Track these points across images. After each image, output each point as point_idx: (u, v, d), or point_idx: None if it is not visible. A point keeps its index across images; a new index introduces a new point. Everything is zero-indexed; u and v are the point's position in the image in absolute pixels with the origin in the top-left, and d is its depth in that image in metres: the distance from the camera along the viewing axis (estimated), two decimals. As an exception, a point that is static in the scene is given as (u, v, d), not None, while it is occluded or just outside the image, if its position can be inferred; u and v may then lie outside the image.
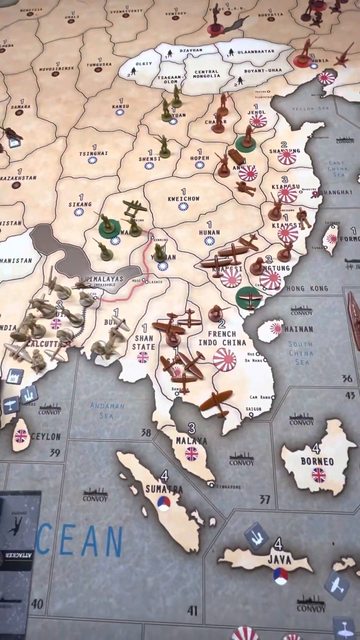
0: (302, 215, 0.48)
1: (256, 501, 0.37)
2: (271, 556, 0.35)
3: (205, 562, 0.35)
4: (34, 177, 0.54)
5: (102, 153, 0.55)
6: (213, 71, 0.61)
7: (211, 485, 0.37)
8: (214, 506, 0.37)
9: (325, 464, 0.38)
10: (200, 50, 0.63)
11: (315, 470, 0.38)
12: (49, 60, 0.64)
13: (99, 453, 0.39)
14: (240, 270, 0.46)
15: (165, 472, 0.38)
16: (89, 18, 0.68)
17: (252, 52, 0.62)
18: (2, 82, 0.62)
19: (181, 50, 0.63)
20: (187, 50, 0.63)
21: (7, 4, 0.71)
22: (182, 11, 0.67)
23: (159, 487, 0.38)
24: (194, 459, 0.38)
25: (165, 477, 0.38)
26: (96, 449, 0.39)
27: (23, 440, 0.40)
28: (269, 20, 0.65)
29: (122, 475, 0.38)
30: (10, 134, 0.57)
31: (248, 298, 0.44)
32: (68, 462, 0.39)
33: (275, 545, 0.35)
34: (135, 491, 0.38)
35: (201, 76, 0.60)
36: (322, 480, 0.37)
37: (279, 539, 0.35)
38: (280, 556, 0.35)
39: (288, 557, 0.35)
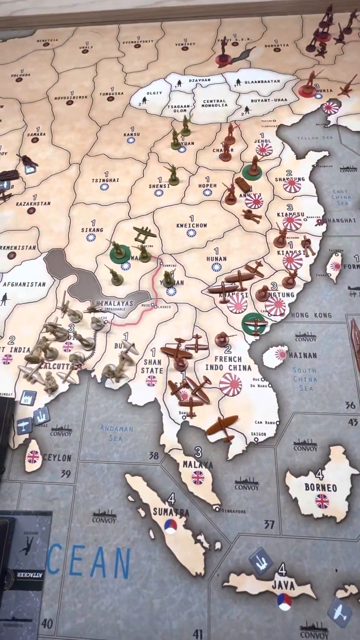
0: (306, 243, 0.50)
1: (261, 526, 0.38)
2: (275, 581, 0.36)
3: (210, 586, 0.36)
4: (49, 203, 0.56)
5: (114, 180, 0.57)
6: (221, 101, 0.63)
7: (217, 509, 0.39)
8: (219, 530, 0.38)
9: (328, 490, 0.39)
10: (209, 80, 0.65)
11: (318, 496, 0.38)
12: (64, 90, 0.67)
13: (108, 475, 0.41)
14: (246, 297, 0.48)
15: (172, 495, 0.39)
16: (102, 48, 0.71)
17: (259, 82, 0.64)
18: (19, 110, 0.65)
19: (190, 80, 0.65)
20: (196, 80, 0.65)
21: (25, 35, 0.75)
22: (191, 42, 0.70)
23: (166, 510, 0.39)
24: (200, 482, 0.40)
25: (172, 500, 0.39)
26: (105, 470, 0.41)
27: (35, 461, 0.41)
28: (275, 51, 0.67)
29: (130, 498, 0.39)
30: (27, 161, 0.59)
31: (254, 324, 0.46)
32: (78, 483, 0.40)
33: (279, 571, 0.36)
34: (143, 513, 0.39)
35: (209, 105, 0.63)
36: (326, 507, 0.38)
37: (282, 565, 0.36)
38: (284, 582, 0.36)
39: (292, 583, 0.36)
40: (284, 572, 0.36)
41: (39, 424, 0.43)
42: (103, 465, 0.41)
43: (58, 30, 0.74)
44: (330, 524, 0.37)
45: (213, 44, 0.69)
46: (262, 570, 0.36)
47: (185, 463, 0.40)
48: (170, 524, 0.38)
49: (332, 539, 0.37)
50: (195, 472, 0.40)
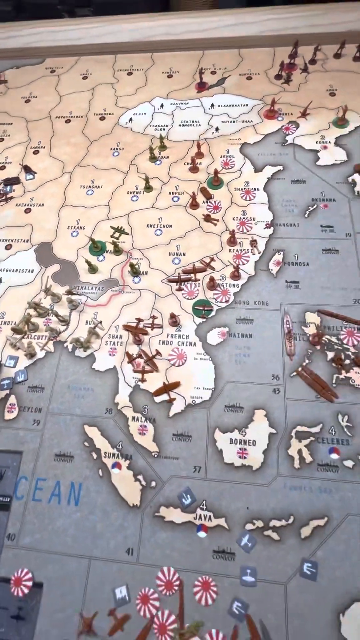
0: (253, 243, 0.58)
1: (190, 470, 0.45)
2: (196, 514, 0.43)
3: (143, 516, 0.44)
4: (42, 205, 0.67)
5: (99, 187, 0.67)
6: (195, 121, 0.73)
7: (155, 455, 0.46)
8: (155, 472, 0.46)
9: (249, 445, 0.46)
10: (187, 103, 0.75)
11: (240, 449, 0.46)
12: (64, 110, 0.78)
13: (70, 425, 0.49)
14: (198, 286, 0.56)
15: (120, 443, 0.48)
16: (99, 75, 0.82)
17: (230, 105, 0.74)
18: (25, 127, 0.77)
19: (171, 104, 0.76)
20: (176, 104, 0.76)
21: (35, 63, 0.87)
22: (176, 70, 0.81)
23: (114, 454, 0.47)
24: (144, 434, 0.48)
25: (120, 447, 0.47)
26: (68, 421, 0.49)
27: (12, 412, 0.51)
28: (247, 79, 0.77)
29: (86, 444, 0.48)
30: (27, 169, 0.70)
31: (202, 308, 0.54)
32: (46, 430, 0.49)
33: (201, 506, 0.44)
34: (95, 456, 0.47)
35: (185, 125, 0.73)
36: (245, 457, 0.45)
37: (204, 501, 0.44)
38: (204, 515, 0.43)
39: (210, 516, 0.43)
40: (204, 507, 0.44)
41: (18, 382, 0.52)
42: (67, 417, 0.50)
43: (64, 59, 0.87)
44: (247, 471, 0.45)
45: (194, 73, 0.80)
46: (187, 504, 0.44)
47: (133, 418, 0.49)
48: (116, 465, 0.46)
49: (247, 484, 0.44)
50: (140, 426, 0.48)
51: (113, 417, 0.49)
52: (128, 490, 0.45)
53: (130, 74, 0.82)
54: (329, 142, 0.67)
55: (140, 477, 0.46)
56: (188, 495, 0.44)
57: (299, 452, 0.45)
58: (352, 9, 0.81)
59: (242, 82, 0.77)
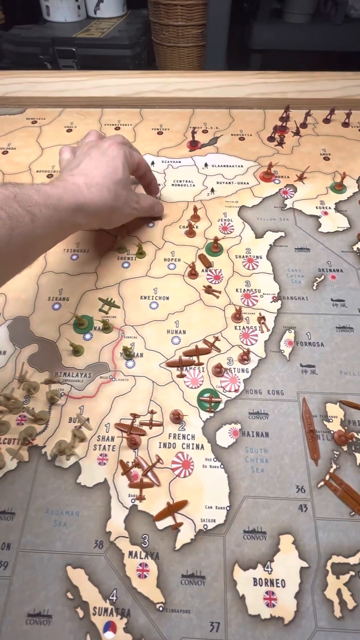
0: (261, 320, 0.52)
1: (206, 629, 0.36)
2: None
3: None
4: (19, 271, 0.58)
5: (85, 250, 0.60)
6: (189, 181, 0.69)
7: (160, 608, 0.36)
8: (161, 634, 0.35)
9: (277, 586, 0.37)
10: (179, 162, 0.72)
11: (267, 593, 0.37)
12: (46, 164, 0.72)
13: (48, 567, 0.38)
14: (203, 372, 0.49)
15: (115, 591, 0.37)
16: (85, 129, 0.78)
17: (224, 166, 0.71)
18: (1, 180, 0.70)
19: (163, 162, 0.72)
20: (168, 162, 0.72)
21: (15, 113, 0.82)
22: (166, 127, 0.78)
23: (106, 610, 0.36)
24: (145, 577, 0.38)
25: (114, 598, 0.37)
26: (46, 562, 0.38)
27: (-28, 550, 0.39)
28: (240, 140, 0.75)
29: (69, 595, 0.37)
30: (2, 229, 0.62)
31: (209, 400, 0.47)
32: (15, 577, 0.38)
33: None
34: (81, 614, 0.36)
35: (179, 185, 0.68)
36: (274, 606, 0.36)
37: None
38: None
39: None
40: None
41: (-20, 507, 0.41)
42: (44, 555, 0.39)
43: (46, 110, 0.82)
44: (278, 626, 0.35)
45: (185, 130, 0.77)
46: None
47: (130, 553, 0.39)
48: (109, 626, 0.36)
49: (279, 645, 0.35)
50: (140, 564, 0.38)
51: (105, 553, 0.39)
52: (126, 665, 0.34)
53: (117, 128, 0.78)
54: (329, 207, 0.64)
55: (141, 643, 0.35)
56: (205, 669, 0.34)
57: (339, 593, 0.37)
58: (337, 78, 0.83)
59: (235, 143, 0.75)
